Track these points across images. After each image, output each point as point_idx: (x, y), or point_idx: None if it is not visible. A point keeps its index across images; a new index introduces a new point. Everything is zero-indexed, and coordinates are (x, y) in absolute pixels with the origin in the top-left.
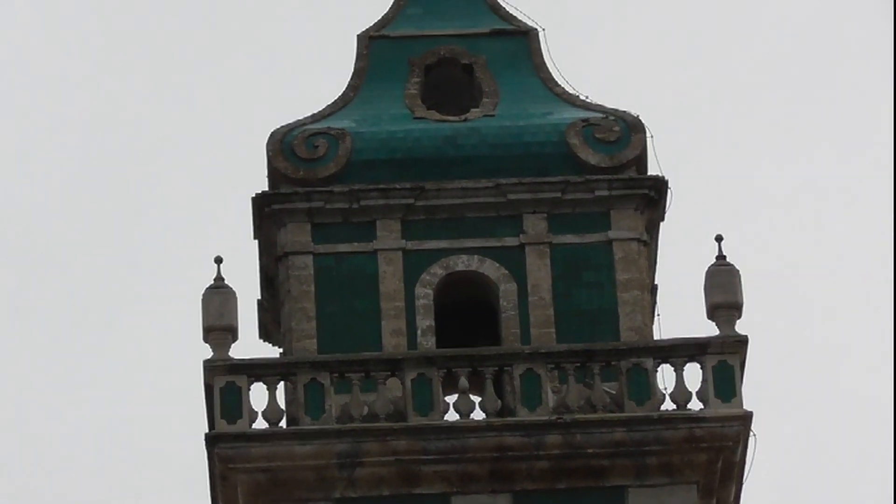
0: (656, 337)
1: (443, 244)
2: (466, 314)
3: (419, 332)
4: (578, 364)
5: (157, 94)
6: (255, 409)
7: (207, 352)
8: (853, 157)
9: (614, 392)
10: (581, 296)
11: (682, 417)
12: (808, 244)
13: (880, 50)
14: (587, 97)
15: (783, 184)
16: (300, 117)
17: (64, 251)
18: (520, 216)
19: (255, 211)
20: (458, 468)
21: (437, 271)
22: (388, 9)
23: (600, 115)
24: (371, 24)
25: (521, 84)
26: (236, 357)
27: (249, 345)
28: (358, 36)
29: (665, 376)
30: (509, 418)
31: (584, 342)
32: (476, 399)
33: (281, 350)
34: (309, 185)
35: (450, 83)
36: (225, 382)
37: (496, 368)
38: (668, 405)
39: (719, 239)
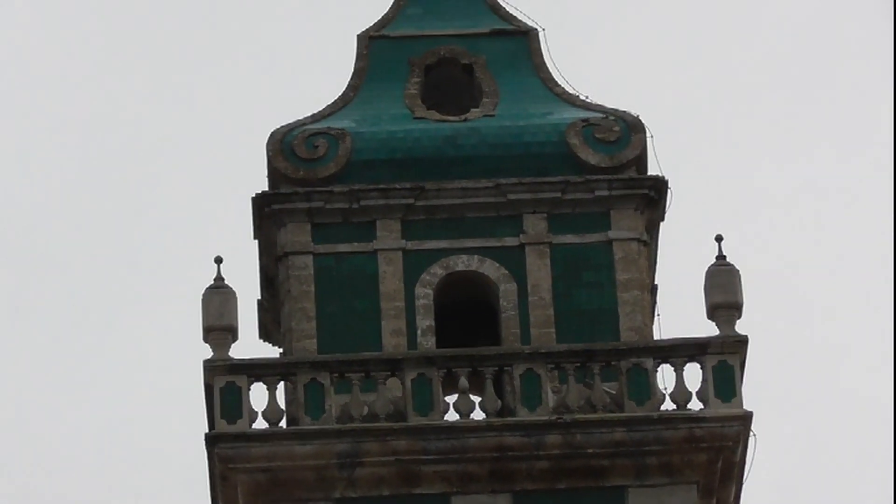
0: (656, 337)
1: (443, 244)
2: (466, 314)
3: (419, 332)
4: (578, 364)
5: (157, 94)
6: (255, 409)
7: (207, 352)
8: (853, 157)
9: (614, 392)
10: (581, 296)
11: (682, 417)
12: (808, 244)
13: (880, 50)
14: (587, 97)
15: (783, 184)
16: (300, 117)
17: (64, 251)
18: (520, 216)
19: (255, 211)
20: (458, 468)
21: (437, 271)
22: (388, 9)
23: (600, 115)
24: (371, 24)
25: (521, 84)
26: (236, 357)
27: (249, 345)
28: (358, 36)
29: (665, 376)
30: (509, 418)
31: (584, 342)
32: (476, 399)
33: (281, 350)
34: (309, 185)
35: (450, 83)
36: (225, 382)
37: (496, 368)
38: (668, 405)
39: (719, 239)
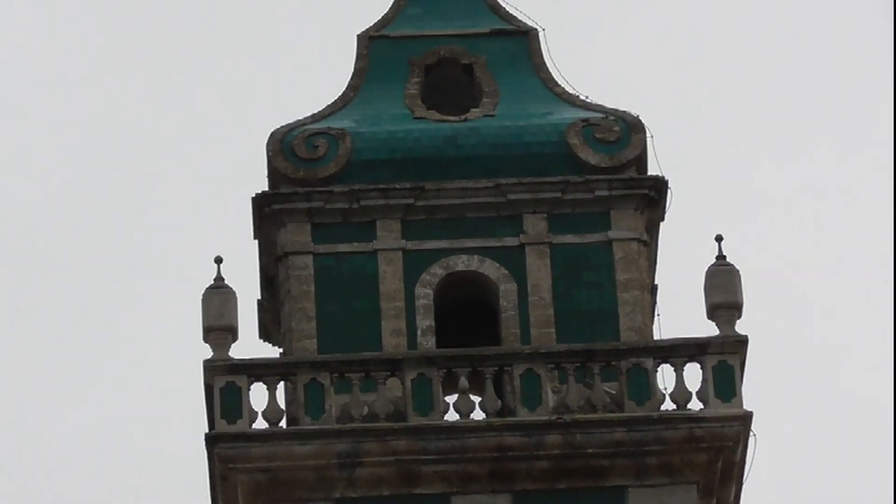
0: (656, 337)
1: (443, 244)
2: (466, 314)
3: (419, 332)
4: (578, 364)
5: (157, 94)
6: (255, 409)
7: (207, 352)
8: (853, 157)
9: (614, 392)
10: (581, 296)
11: (682, 417)
12: (808, 244)
13: (880, 50)
14: (587, 97)
15: (783, 184)
16: (300, 117)
17: (64, 251)
18: (520, 216)
19: (255, 211)
20: (458, 468)
21: (437, 271)
22: (388, 9)
23: (600, 115)
24: (371, 24)
25: (521, 84)
26: (236, 357)
27: (249, 345)
28: (358, 36)
29: (665, 376)
30: (509, 418)
31: (584, 342)
32: (476, 399)
33: (281, 350)
34: (309, 185)
35: (450, 83)
36: (225, 382)
37: (496, 368)
38: (668, 405)
39: (719, 239)
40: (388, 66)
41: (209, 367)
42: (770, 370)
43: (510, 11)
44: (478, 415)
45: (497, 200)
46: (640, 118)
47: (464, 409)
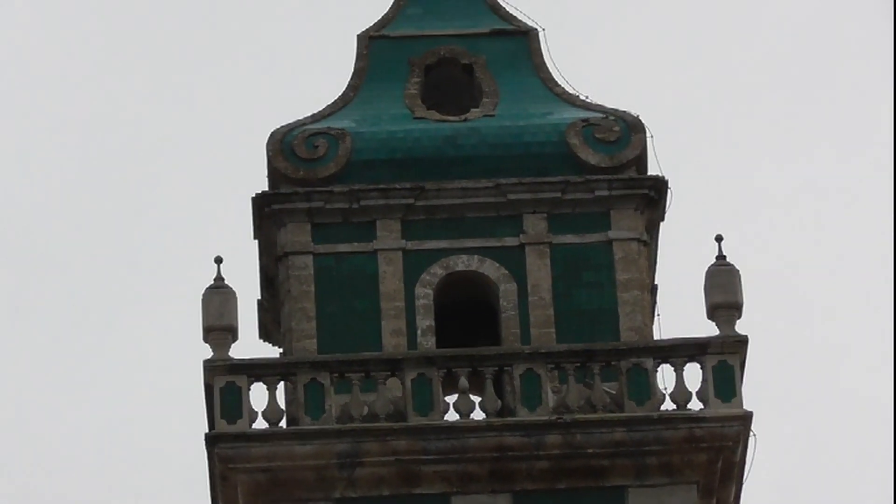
0: (656, 337)
1: (443, 244)
2: (466, 314)
3: (419, 332)
4: (578, 364)
5: (157, 94)
6: (255, 409)
7: (207, 352)
8: (853, 157)
9: (614, 392)
10: (581, 296)
11: (682, 417)
12: (808, 244)
13: (880, 50)
14: (587, 97)
15: (783, 184)
16: (300, 117)
17: (64, 251)
18: (520, 216)
19: (255, 211)
20: (458, 468)
21: (437, 271)
22: (388, 9)
23: (600, 115)
24: (371, 24)
25: (521, 84)
26: (236, 357)
27: (249, 345)
28: (358, 36)
29: (665, 376)
30: (509, 418)
31: (584, 342)
32: (476, 399)
33: (281, 350)
34: (309, 185)
35: (450, 83)
36: (225, 382)
37: (496, 368)
38: (668, 405)
39: (719, 239)
40: (388, 66)
41: (209, 367)
42: (770, 370)
43: (510, 11)
44: (478, 415)
45: (497, 200)
46: (640, 118)
47: (464, 409)
